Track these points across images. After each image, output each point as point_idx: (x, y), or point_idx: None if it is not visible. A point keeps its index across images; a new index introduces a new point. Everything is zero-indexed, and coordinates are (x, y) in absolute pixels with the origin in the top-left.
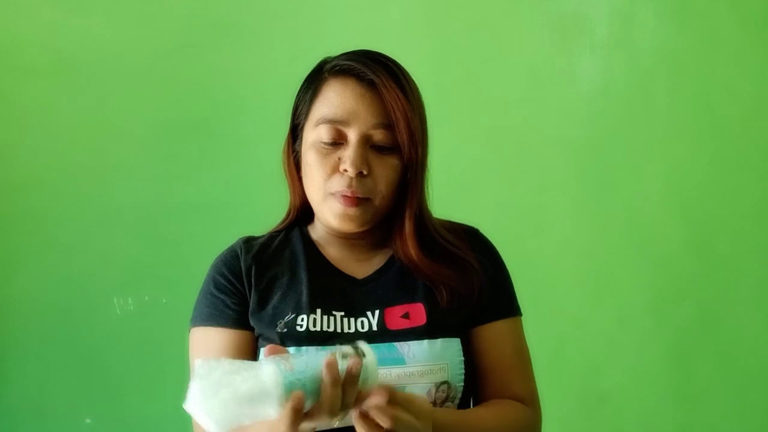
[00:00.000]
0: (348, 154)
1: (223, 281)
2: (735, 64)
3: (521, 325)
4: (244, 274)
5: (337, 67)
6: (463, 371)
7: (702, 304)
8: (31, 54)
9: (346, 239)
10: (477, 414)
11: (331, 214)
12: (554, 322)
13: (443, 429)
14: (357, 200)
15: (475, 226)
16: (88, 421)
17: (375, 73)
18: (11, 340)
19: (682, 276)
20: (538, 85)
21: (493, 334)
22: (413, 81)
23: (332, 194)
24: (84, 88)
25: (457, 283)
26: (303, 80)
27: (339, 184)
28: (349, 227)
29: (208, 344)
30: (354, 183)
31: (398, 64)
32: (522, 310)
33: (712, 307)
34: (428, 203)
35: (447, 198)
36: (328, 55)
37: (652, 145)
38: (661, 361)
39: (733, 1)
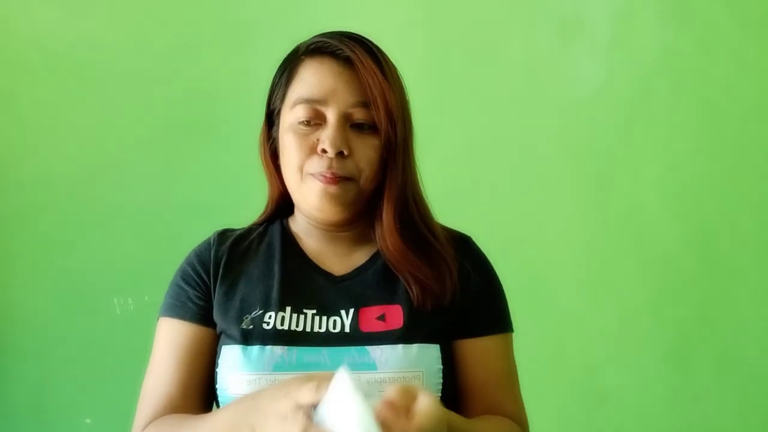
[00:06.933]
0: (326, 134)
1: (190, 271)
2: (735, 64)
3: (512, 341)
4: (212, 265)
5: (312, 46)
6: (441, 380)
7: (702, 304)
8: (31, 54)
9: (327, 232)
10: (475, 424)
11: (311, 195)
12: (554, 322)
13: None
14: (338, 178)
15: (468, 234)
16: (88, 421)
17: (351, 49)
18: (11, 340)
19: (682, 276)
20: (538, 85)
21: (481, 349)
22: (391, 61)
23: (311, 174)
24: (84, 88)
25: (430, 280)
26: (278, 66)
27: (318, 165)
28: (330, 208)
29: (170, 335)
30: (334, 164)
31: (374, 43)
32: (515, 323)
33: (712, 307)
34: (420, 188)
35: (446, 198)
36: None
37: (652, 145)
38: (661, 361)
39: (733, 1)
